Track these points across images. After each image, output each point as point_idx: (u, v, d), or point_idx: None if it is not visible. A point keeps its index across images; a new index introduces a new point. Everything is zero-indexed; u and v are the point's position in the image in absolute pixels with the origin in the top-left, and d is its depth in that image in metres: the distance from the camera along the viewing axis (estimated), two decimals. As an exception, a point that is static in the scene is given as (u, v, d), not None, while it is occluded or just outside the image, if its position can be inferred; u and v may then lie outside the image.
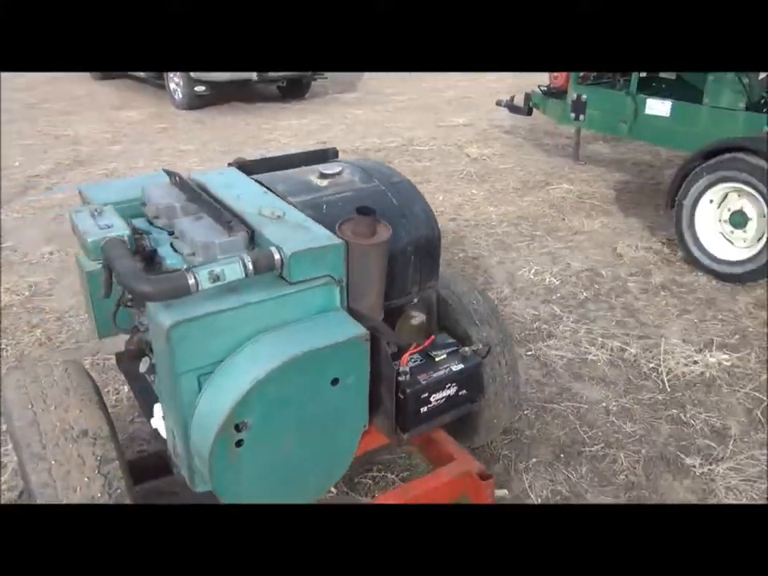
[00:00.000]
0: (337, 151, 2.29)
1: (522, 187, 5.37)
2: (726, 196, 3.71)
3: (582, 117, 5.09)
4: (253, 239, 1.62)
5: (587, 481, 2.33)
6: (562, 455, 2.45)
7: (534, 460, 2.41)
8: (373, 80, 10.08)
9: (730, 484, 2.30)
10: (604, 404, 2.73)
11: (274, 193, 1.83)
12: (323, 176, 1.93)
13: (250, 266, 1.48)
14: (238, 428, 1.42)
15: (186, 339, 1.41)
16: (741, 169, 3.53)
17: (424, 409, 1.77)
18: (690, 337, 3.20)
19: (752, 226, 3.63)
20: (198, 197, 1.76)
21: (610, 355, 3.05)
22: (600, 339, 3.17)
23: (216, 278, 1.45)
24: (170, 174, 1.90)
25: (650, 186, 5.40)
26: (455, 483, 1.93)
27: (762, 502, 2.24)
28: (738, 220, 3.68)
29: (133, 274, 1.44)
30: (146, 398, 1.93)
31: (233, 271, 1.47)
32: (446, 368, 1.81)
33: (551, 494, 2.26)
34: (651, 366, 2.97)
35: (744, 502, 2.23)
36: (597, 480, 2.33)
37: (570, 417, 2.64)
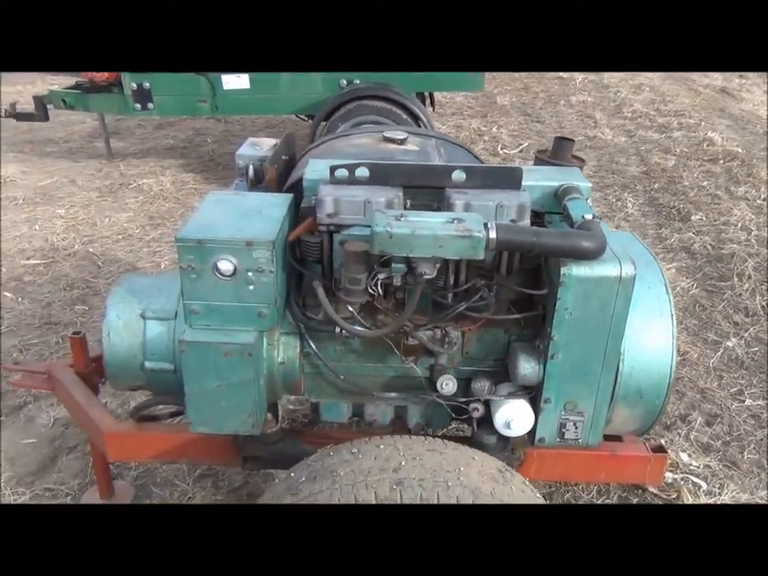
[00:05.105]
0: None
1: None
2: (356, 139, 4.45)
3: (150, 105, 4.87)
4: None
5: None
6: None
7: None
8: None
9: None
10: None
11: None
12: (401, 141, 1.84)
13: None
14: None
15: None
16: (368, 112, 4.27)
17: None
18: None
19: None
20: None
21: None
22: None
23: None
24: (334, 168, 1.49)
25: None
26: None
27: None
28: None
29: (575, 235, 1.27)
30: None
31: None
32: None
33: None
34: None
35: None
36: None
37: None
